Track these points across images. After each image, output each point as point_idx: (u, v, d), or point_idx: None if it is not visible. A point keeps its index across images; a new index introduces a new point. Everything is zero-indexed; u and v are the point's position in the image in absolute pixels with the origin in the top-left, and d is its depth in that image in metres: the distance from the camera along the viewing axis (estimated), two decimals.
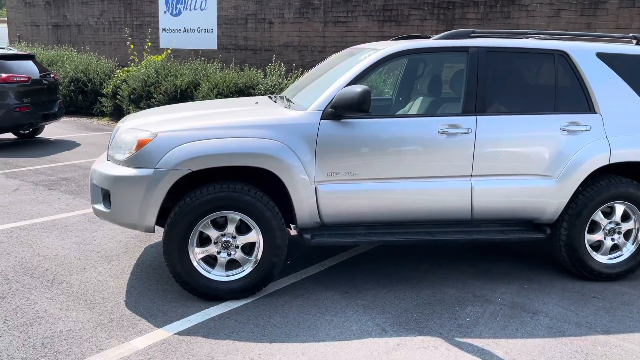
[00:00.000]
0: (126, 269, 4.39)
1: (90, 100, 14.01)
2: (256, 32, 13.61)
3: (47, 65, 15.08)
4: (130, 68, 13.65)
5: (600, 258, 4.39)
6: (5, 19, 21.96)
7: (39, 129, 10.71)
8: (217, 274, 3.86)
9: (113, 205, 3.75)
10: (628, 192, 4.24)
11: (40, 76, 10.07)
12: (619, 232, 4.38)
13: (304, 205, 3.84)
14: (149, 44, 14.24)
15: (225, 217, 3.79)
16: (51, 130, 11.27)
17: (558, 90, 4.23)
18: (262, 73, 11.53)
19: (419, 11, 11.07)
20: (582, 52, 4.28)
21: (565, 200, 4.19)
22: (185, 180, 3.79)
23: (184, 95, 11.63)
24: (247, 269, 3.87)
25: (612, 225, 4.35)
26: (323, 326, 3.56)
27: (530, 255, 4.92)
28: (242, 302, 3.85)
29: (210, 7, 14.47)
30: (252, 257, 3.86)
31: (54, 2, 19.08)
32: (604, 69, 4.28)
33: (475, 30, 4.31)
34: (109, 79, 13.74)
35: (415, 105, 4.71)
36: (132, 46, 14.33)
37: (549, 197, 4.16)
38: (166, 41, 15.42)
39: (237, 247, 3.85)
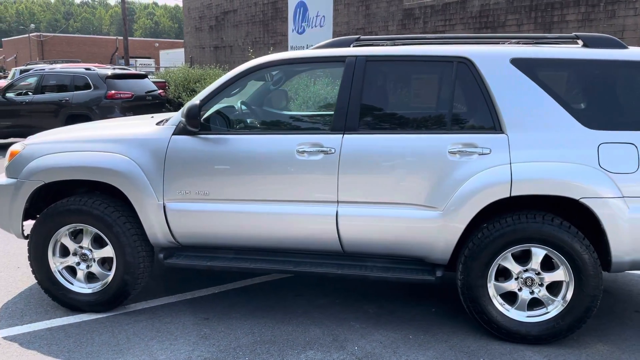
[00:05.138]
0: None
1: None
2: None
3: (194, 82, 16.85)
4: None
5: (515, 314, 3.50)
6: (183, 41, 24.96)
7: None
8: (79, 286, 3.95)
9: None
10: (544, 233, 3.31)
11: (146, 93, 11.29)
12: (541, 284, 3.45)
13: (152, 222, 3.75)
14: None
15: (82, 230, 3.89)
16: None
17: (455, 105, 3.50)
18: None
19: (516, 15, 9.93)
20: (490, 59, 3.48)
21: (455, 238, 3.44)
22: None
23: None
24: (104, 283, 3.90)
25: (529, 274, 3.44)
26: (135, 351, 3.42)
27: None
28: (97, 316, 3.88)
29: (328, 24, 14.74)
30: (111, 272, 3.89)
31: (215, 26, 21.17)
32: (519, 78, 3.42)
33: (362, 37, 3.79)
34: None
35: (286, 122, 4.27)
36: None
37: (433, 232, 3.45)
38: None
39: (94, 260, 3.91)
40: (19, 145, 4.04)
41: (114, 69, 12.24)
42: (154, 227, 3.76)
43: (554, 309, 3.45)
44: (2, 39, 76.24)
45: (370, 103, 3.63)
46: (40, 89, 11.28)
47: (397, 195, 3.48)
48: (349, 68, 3.61)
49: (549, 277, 3.43)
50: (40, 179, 3.81)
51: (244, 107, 4.16)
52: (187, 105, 3.58)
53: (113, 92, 10.62)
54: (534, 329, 3.45)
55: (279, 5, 16.89)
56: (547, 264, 3.44)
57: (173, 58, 35.20)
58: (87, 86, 10.82)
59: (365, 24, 13.43)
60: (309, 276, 4.53)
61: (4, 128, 11.44)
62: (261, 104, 4.42)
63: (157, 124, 3.98)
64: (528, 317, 3.49)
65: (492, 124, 3.42)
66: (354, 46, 3.77)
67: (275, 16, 17.20)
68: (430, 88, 3.69)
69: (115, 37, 64.24)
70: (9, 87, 11.75)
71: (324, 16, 14.90)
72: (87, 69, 11.49)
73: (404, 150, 3.47)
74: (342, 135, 3.55)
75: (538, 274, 3.44)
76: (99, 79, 10.77)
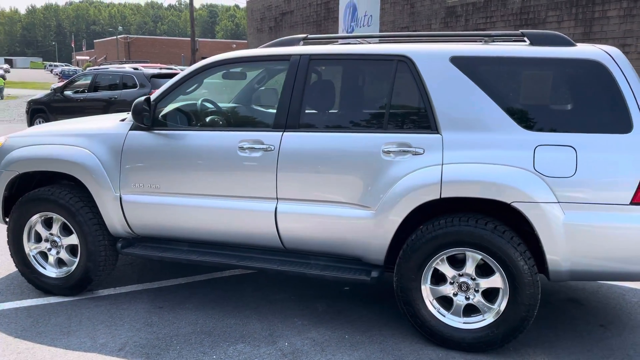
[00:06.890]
0: None
1: None
2: None
3: None
4: None
5: (450, 320, 3.38)
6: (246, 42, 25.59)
7: None
8: (51, 270, 4.21)
9: None
10: (477, 236, 3.19)
11: None
12: (477, 290, 3.33)
13: (110, 213, 3.94)
14: None
15: (52, 218, 4.15)
16: None
17: (393, 105, 3.45)
18: None
19: (556, 12, 9.47)
20: (430, 57, 3.39)
21: (387, 239, 3.39)
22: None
23: None
24: (70, 269, 4.14)
25: (465, 279, 3.33)
26: (80, 334, 3.60)
27: None
28: (63, 299, 4.12)
29: (375, 23, 14.67)
30: (76, 259, 4.13)
31: (274, 27, 21.60)
32: (458, 77, 3.31)
33: (310, 36, 3.79)
34: None
35: (234, 119, 4.31)
36: None
37: (367, 232, 3.42)
38: None
39: (62, 247, 4.16)
40: (2, 138, 4.37)
41: (160, 69, 12.80)
42: (112, 218, 3.96)
43: (490, 316, 3.32)
44: (94, 41, 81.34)
45: (311, 101, 3.64)
46: (93, 87, 12.00)
47: (333, 194, 3.48)
48: (293, 66, 3.63)
49: (484, 283, 3.30)
50: (15, 170, 4.11)
51: (204, 105, 4.28)
52: (135, 101, 3.75)
53: (154, 90, 11.11)
54: (468, 336, 3.34)
55: (331, 5, 16.99)
56: (487, 270, 3.31)
57: None
58: (133, 85, 11.40)
59: (410, 22, 13.25)
60: (270, 273, 4.55)
61: None
62: (221, 101, 4.53)
63: (121, 120, 4.18)
64: (465, 323, 3.38)
65: (428, 123, 3.34)
66: (301, 45, 3.79)
67: (327, 16, 17.31)
68: (371, 87, 3.65)
69: (196, 39, 66.75)
70: (67, 85, 12.59)
71: (371, 15, 14.85)
72: (134, 68, 12.09)
73: (339, 149, 3.46)
74: (282, 132, 3.59)
75: (473, 279, 3.32)
76: (145, 78, 11.32)
